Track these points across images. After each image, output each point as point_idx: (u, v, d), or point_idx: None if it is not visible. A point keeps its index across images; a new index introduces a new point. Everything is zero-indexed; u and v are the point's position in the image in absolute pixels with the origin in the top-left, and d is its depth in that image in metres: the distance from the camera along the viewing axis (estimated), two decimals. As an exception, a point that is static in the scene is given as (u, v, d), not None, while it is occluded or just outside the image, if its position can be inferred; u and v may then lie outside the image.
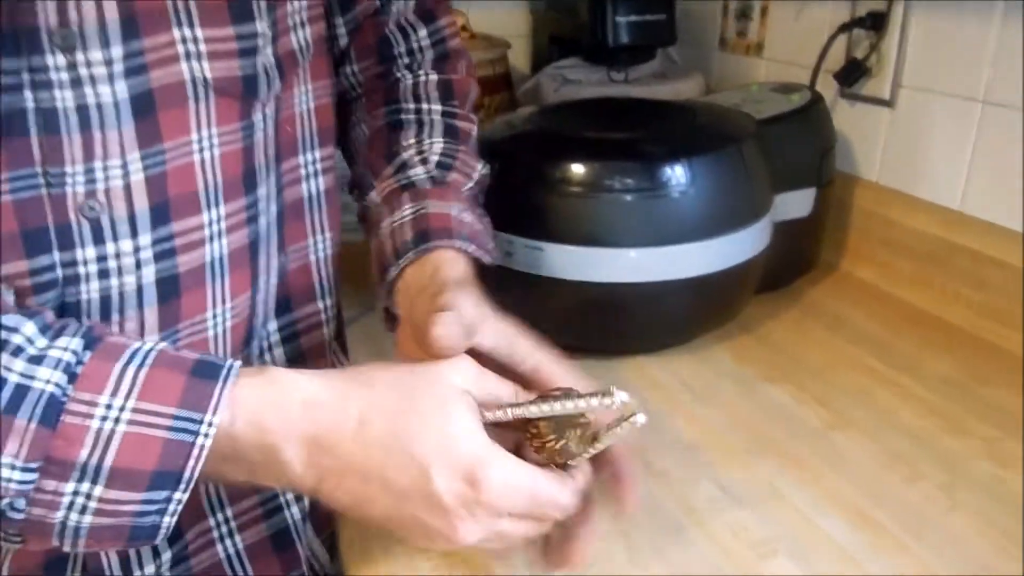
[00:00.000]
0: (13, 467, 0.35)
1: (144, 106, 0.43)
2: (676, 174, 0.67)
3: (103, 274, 0.44)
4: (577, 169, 0.69)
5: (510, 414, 0.40)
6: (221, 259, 0.48)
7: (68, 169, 0.41)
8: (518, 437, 0.42)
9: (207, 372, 0.38)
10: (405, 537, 0.41)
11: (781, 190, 0.78)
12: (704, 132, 0.73)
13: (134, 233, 0.44)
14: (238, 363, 0.39)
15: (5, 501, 0.36)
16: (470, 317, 0.43)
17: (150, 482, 0.37)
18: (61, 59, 0.40)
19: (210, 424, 0.37)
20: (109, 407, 0.36)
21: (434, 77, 0.60)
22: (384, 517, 0.40)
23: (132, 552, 0.50)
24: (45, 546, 0.40)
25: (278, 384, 0.39)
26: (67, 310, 0.44)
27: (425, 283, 0.48)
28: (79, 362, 0.37)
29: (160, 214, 0.45)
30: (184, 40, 0.43)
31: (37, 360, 0.36)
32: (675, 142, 0.70)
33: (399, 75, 0.60)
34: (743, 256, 0.71)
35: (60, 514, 0.36)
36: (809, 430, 0.62)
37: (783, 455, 0.59)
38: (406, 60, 0.60)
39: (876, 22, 0.83)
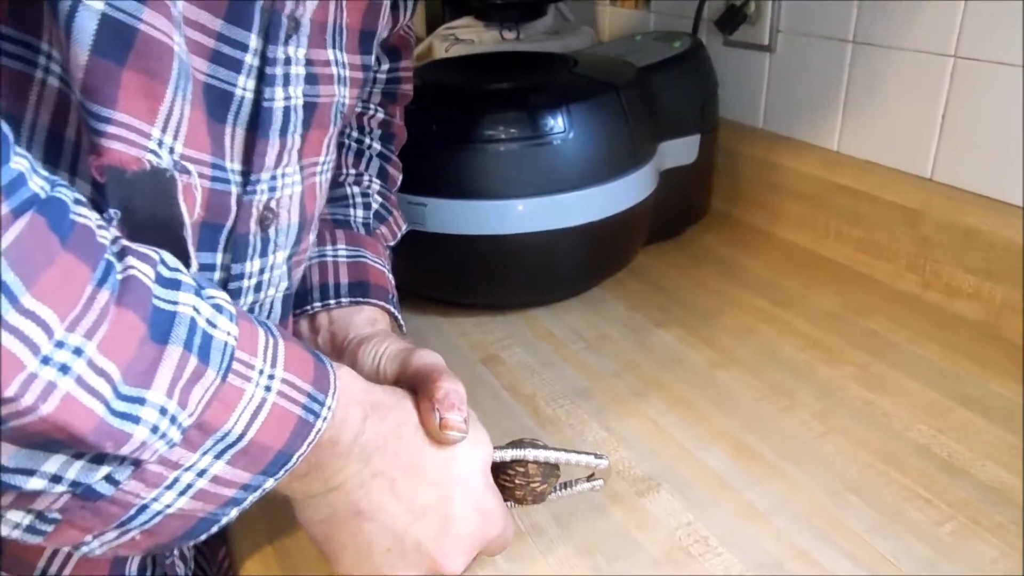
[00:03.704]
0: (180, 426, 0.28)
1: (310, 117, 0.41)
2: (556, 121, 0.67)
3: (258, 287, 0.41)
4: (457, 121, 0.68)
5: (509, 455, 0.42)
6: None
7: (264, 176, 0.39)
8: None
9: (316, 355, 0.35)
10: (380, 567, 0.38)
11: (665, 138, 0.78)
12: (583, 80, 0.73)
13: (285, 245, 0.42)
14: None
15: (106, 471, 0.27)
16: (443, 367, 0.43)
17: (269, 463, 0.32)
18: (282, 51, 0.38)
19: (329, 408, 0.34)
20: (261, 372, 0.31)
21: (380, 115, 0.60)
22: (385, 537, 0.37)
23: None
24: (65, 542, 0.30)
25: (355, 381, 0.38)
26: None
27: (362, 332, 0.48)
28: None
29: (299, 229, 0.43)
30: (336, 62, 0.42)
31: (218, 308, 0.31)
32: (554, 90, 0.70)
33: None
34: (628, 202, 0.71)
35: (154, 493, 0.29)
36: (694, 370, 0.63)
37: (669, 395, 0.60)
38: None
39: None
